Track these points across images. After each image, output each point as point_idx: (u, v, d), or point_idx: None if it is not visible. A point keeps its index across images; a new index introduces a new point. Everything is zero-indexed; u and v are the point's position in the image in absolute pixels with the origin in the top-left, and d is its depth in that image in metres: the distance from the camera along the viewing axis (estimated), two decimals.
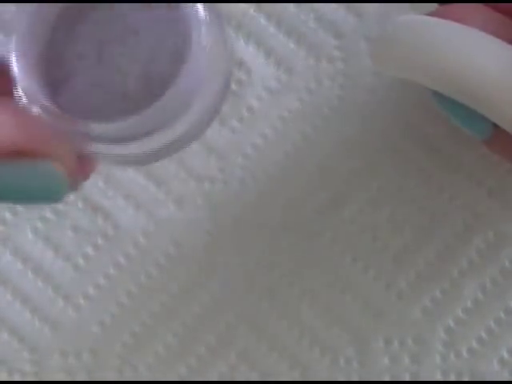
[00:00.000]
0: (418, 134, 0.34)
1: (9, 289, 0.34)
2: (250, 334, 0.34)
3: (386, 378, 0.34)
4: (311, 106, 0.34)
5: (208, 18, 0.26)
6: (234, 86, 0.34)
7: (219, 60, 0.26)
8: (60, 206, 0.34)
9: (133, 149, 0.26)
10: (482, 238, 0.34)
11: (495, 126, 0.28)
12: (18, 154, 0.24)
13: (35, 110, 0.25)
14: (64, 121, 0.25)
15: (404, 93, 0.34)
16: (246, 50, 0.34)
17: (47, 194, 0.25)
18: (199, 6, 0.26)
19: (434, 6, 0.30)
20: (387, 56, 0.29)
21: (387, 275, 0.34)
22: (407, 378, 0.33)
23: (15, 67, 0.26)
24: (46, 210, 0.34)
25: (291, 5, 0.34)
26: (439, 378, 0.33)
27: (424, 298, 0.34)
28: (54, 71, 0.26)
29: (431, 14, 0.29)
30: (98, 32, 0.26)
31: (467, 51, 0.27)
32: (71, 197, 0.34)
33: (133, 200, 0.34)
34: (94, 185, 0.34)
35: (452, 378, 0.33)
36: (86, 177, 0.27)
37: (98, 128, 0.25)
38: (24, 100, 0.25)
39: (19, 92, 0.25)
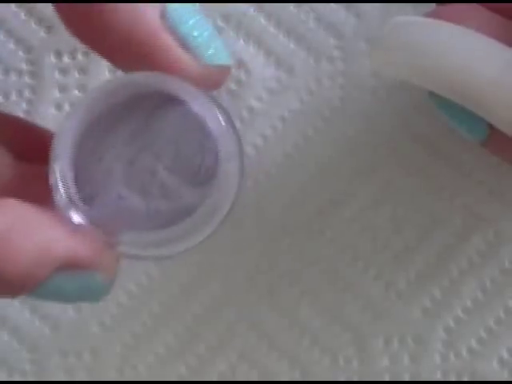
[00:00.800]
0: (418, 134, 0.34)
1: None
2: (249, 334, 0.34)
3: (386, 378, 0.34)
4: (311, 106, 0.34)
5: (229, 130, 0.27)
6: (233, 86, 0.34)
7: (237, 157, 0.28)
8: None
9: (163, 252, 0.27)
10: (482, 237, 0.34)
11: (491, 126, 0.28)
12: (69, 265, 0.25)
13: (77, 219, 0.26)
14: (103, 231, 0.26)
15: (404, 93, 0.34)
16: (246, 50, 0.34)
17: (90, 298, 0.26)
18: (223, 121, 0.27)
19: (433, 6, 0.30)
20: (384, 58, 0.29)
21: (387, 275, 0.34)
22: (407, 378, 0.34)
23: (58, 173, 0.27)
24: None
25: (291, 5, 0.34)
26: (439, 377, 0.34)
27: (424, 298, 0.34)
28: (83, 184, 0.27)
29: (428, 15, 0.29)
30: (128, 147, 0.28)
31: (463, 52, 0.27)
32: None
33: None
34: None
35: (452, 378, 0.33)
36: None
37: (130, 237, 0.27)
38: (66, 210, 0.26)
39: (59, 201, 0.26)
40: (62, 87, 0.34)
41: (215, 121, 0.27)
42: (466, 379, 0.33)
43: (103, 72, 0.34)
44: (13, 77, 0.34)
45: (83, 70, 0.34)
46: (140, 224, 0.27)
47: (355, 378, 0.34)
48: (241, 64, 0.34)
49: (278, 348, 0.34)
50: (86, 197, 0.27)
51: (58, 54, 0.34)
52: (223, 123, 0.27)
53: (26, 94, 0.34)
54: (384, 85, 0.34)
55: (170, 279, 0.34)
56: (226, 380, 0.34)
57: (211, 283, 0.34)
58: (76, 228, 0.26)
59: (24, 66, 0.34)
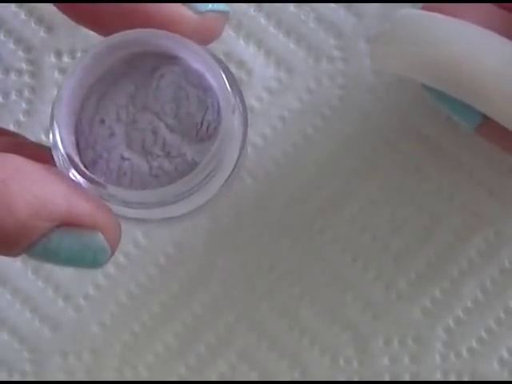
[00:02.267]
0: (417, 134, 0.34)
1: (9, 289, 0.34)
2: (250, 334, 0.34)
3: (386, 378, 0.33)
4: (311, 105, 0.34)
5: (231, 85, 0.27)
6: None
7: (239, 127, 0.28)
8: None
9: (160, 213, 0.28)
10: (482, 237, 0.34)
11: (484, 115, 0.28)
12: (68, 223, 0.25)
13: (76, 177, 0.26)
14: (101, 188, 0.26)
15: (404, 93, 0.34)
16: (246, 50, 0.34)
17: (90, 261, 0.26)
18: (223, 76, 0.27)
19: None
20: (385, 54, 0.29)
21: (387, 275, 0.34)
22: (407, 378, 0.33)
23: (57, 134, 0.27)
24: None
25: (291, 5, 0.34)
26: (439, 377, 0.33)
27: (424, 298, 0.34)
28: (85, 148, 0.27)
29: (429, 9, 0.29)
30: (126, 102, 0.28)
31: (464, 46, 0.27)
32: None
33: None
34: None
35: (452, 378, 0.33)
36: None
37: (129, 195, 0.27)
38: (65, 167, 0.26)
39: (59, 159, 0.27)
40: None
41: (215, 75, 0.27)
42: (466, 379, 0.33)
43: None
44: (13, 76, 0.34)
45: None
46: (143, 184, 0.27)
47: (355, 378, 0.34)
48: (241, 64, 0.34)
49: (278, 348, 0.34)
50: (89, 160, 0.27)
51: (58, 54, 0.34)
52: (223, 77, 0.27)
53: (26, 93, 0.34)
54: (384, 84, 0.34)
55: (170, 279, 0.34)
56: (226, 380, 0.34)
57: (211, 283, 0.34)
58: (78, 186, 0.26)
59: (24, 66, 0.34)
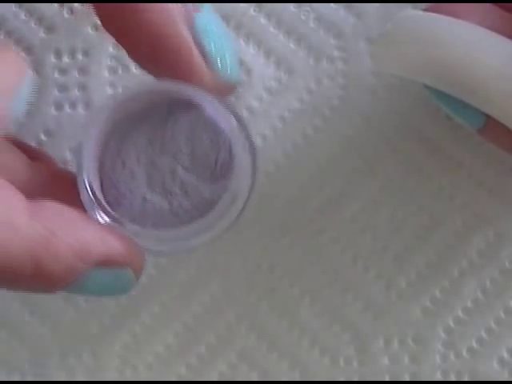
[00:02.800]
0: (418, 134, 0.34)
1: None
2: (250, 334, 0.34)
3: (386, 378, 0.34)
4: (311, 106, 0.34)
5: (240, 128, 0.30)
6: None
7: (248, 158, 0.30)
8: None
9: (178, 246, 0.30)
10: (482, 237, 0.34)
11: (487, 115, 0.28)
12: (107, 262, 0.28)
13: (102, 217, 0.29)
14: (126, 226, 0.29)
15: (404, 93, 0.34)
16: (246, 50, 0.34)
17: (120, 292, 0.29)
18: (234, 121, 0.29)
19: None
20: (386, 54, 0.29)
21: (387, 275, 0.34)
22: (407, 378, 0.33)
23: (85, 179, 0.29)
24: None
25: (291, 5, 0.34)
26: (439, 377, 0.34)
27: (424, 298, 0.34)
28: (109, 188, 0.30)
29: (429, 10, 0.29)
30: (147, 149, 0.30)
31: (465, 46, 0.27)
32: None
33: None
34: None
35: (452, 378, 0.33)
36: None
37: (152, 233, 0.29)
38: (91, 207, 0.29)
39: (85, 200, 0.29)
40: (62, 87, 0.34)
41: (226, 120, 0.29)
42: (466, 379, 0.33)
43: (103, 72, 0.34)
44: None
45: (83, 70, 0.34)
46: (165, 222, 0.29)
47: (355, 378, 0.34)
48: (241, 64, 0.34)
49: (278, 348, 0.34)
50: (113, 200, 0.30)
51: (58, 54, 0.34)
52: (234, 122, 0.29)
53: None
54: (384, 85, 0.34)
55: (170, 279, 0.34)
56: (226, 380, 0.34)
57: (211, 283, 0.34)
58: (110, 227, 0.28)
59: None
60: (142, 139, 0.30)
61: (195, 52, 0.28)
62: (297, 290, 0.34)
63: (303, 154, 0.34)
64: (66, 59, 0.34)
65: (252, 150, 0.30)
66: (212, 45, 0.29)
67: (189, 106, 0.30)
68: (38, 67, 0.34)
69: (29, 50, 0.34)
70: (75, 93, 0.34)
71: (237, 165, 0.29)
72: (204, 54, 0.29)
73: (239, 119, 0.30)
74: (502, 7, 0.29)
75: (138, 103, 0.30)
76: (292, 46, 0.34)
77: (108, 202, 0.29)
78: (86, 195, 0.29)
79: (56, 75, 0.34)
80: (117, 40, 0.29)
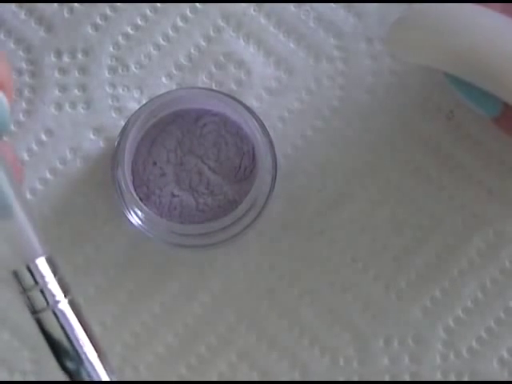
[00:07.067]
0: (417, 134, 0.34)
1: (9, 288, 0.34)
2: (250, 334, 0.34)
3: (386, 378, 0.34)
4: (311, 106, 0.34)
5: (263, 134, 0.32)
6: (233, 86, 0.34)
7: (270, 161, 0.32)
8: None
9: (199, 241, 0.32)
10: (482, 237, 0.34)
11: (505, 104, 0.28)
12: None
13: (134, 210, 0.32)
14: (155, 220, 0.32)
15: (404, 93, 0.34)
16: (246, 50, 0.34)
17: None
18: (258, 127, 0.32)
19: None
20: (403, 40, 0.29)
21: (387, 275, 0.34)
22: (407, 378, 0.34)
23: (121, 176, 0.32)
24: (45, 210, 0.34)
25: (291, 4, 0.34)
26: (439, 377, 0.34)
27: (424, 298, 0.34)
28: (140, 185, 0.33)
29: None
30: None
31: (484, 31, 0.27)
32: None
33: None
34: None
35: (452, 378, 0.34)
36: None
37: (179, 227, 0.32)
38: (123, 200, 0.32)
39: (118, 193, 0.32)
40: (62, 87, 0.34)
41: (250, 126, 0.32)
42: (466, 379, 0.33)
43: (103, 72, 0.34)
44: (13, 76, 0.34)
45: (83, 70, 0.34)
46: (191, 217, 0.32)
47: (355, 378, 0.34)
48: (241, 64, 0.34)
49: (277, 348, 0.34)
50: (143, 196, 0.33)
51: (58, 54, 0.34)
52: (257, 127, 0.32)
53: (26, 93, 0.34)
54: (383, 85, 0.34)
55: (170, 279, 0.34)
56: (226, 380, 0.34)
57: (211, 283, 0.34)
58: None
59: (24, 66, 0.34)
60: (172, 140, 0.33)
61: None
62: (297, 290, 0.34)
63: (303, 154, 0.34)
64: (66, 59, 0.34)
65: (273, 156, 0.32)
66: None
67: (215, 112, 0.33)
68: (37, 67, 0.34)
69: (28, 49, 0.34)
70: (75, 93, 0.34)
71: (259, 169, 0.32)
72: None
73: (261, 125, 0.32)
74: None
75: (167, 108, 0.33)
76: (292, 45, 0.34)
77: (139, 198, 0.32)
78: (119, 188, 0.32)
79: (56, 75, 0.34)
80: None
